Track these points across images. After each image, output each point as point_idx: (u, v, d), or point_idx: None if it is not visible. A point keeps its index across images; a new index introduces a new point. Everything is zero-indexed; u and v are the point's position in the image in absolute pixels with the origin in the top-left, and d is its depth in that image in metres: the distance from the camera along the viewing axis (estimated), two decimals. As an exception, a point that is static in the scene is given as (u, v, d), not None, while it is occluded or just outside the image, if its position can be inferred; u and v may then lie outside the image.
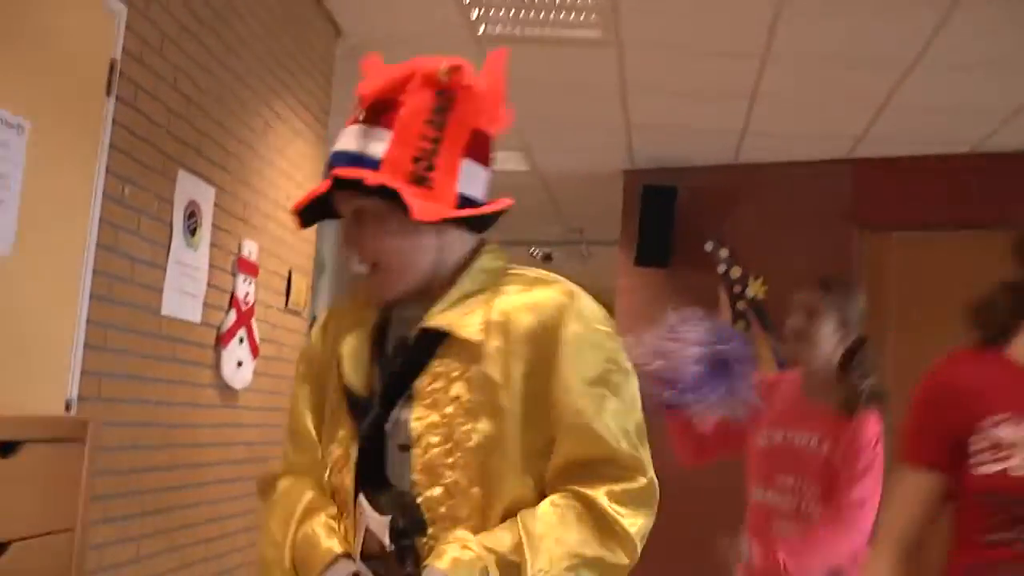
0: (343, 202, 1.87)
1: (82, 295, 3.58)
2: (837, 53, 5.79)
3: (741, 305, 7.99)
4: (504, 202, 1.92)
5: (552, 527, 1.74)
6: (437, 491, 1.79)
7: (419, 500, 1.80)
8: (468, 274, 1.92)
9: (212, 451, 4.70)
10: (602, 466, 1.79)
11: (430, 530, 1.80)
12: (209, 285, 4.57)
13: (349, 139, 1.87)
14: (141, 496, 3.99)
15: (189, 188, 4.32)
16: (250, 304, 4.99)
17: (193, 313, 4.40)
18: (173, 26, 4.09)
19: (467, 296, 1.89)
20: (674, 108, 7.00)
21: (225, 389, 4.81)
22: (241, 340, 4.92)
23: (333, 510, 1.91)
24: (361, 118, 1.88)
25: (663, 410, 3.44)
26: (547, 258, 11.61)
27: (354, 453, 1.87)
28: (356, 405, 1.90)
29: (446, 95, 1.86)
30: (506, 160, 8.70)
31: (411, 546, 1.81)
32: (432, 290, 1.91)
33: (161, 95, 4.05)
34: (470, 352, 1.83)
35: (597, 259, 11.28)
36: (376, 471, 1.85)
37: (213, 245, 4.59)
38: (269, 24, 5.08)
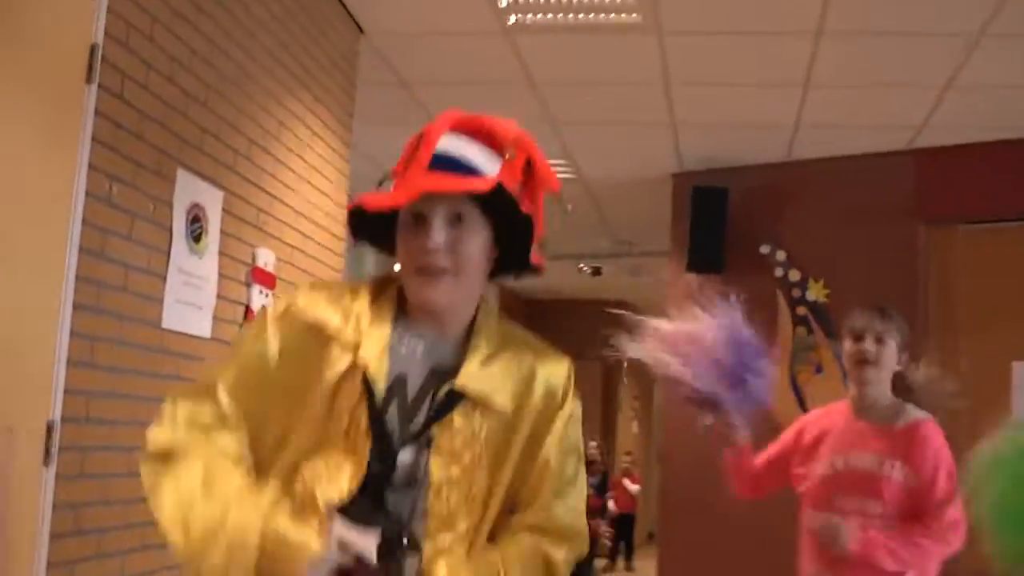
0: (443, 203, 1.89)
1: (64, 304, 3.22)
2: (895, 27, 5.35)
3: (801, 310, 7.53)
4: (539, 265, 2.03)
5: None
6: (448, 537, 1.92)
7: (426, 541, 1.90)
8: (485, 328, 1.99)
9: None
10: (568, 535, 2.02)
11: (421, 552, 1.90)
12: (219, 297, 4.21)
13: (459, 146, 1.92)
14: (140, 530, 3.58)
15: (191, 190, 3.96)
16: (267, 317, 4.61)
17: (201, 327, 4.04)
18: (164, 11, 3.74)
19: (491, 356, 1.97)
20: (721, 100, 6.58)
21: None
22: (258, 356, 4.54)
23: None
24: (465, 133, 1.94)
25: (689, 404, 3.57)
26: (596, 272, 11.21)
27: (353, 474, 1.89)
28: (381, 433, 1.90)
29: (533, 158, 1.97)
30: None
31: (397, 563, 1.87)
32: (449, 324, 1.96)
33: (153, 86, 3.70)
34: (493, 414, 1.95)
35: (647, 271, 10.85)
36: (374, 500, 1.89)
37: (223, 253, 4.23)
38: (279, 15, 4.73)
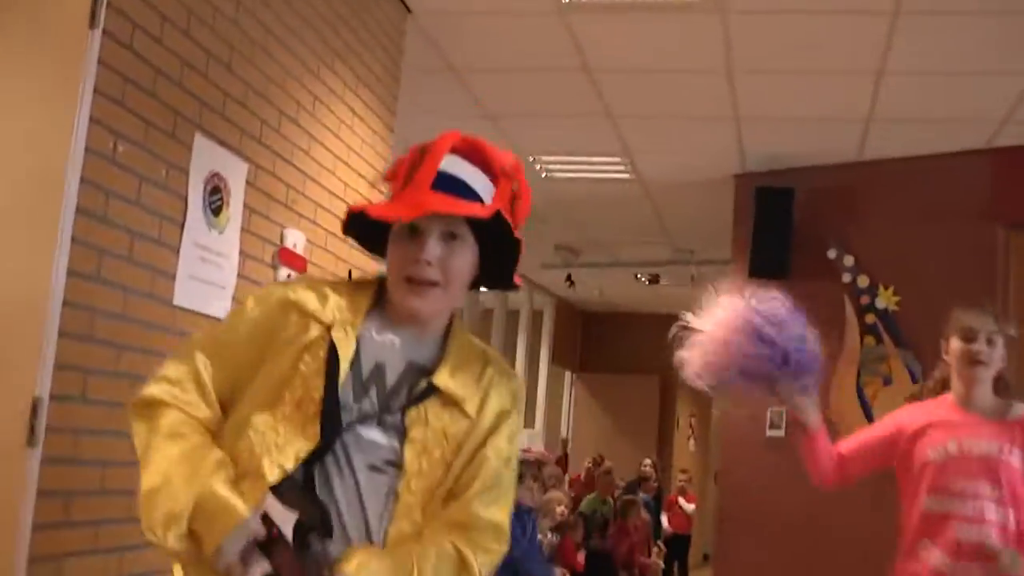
0: (440, 221, 1.99)
1: (56, 268, 2.91)
2: (978, 7, 4.95)
3: (870, 318, 7.11)
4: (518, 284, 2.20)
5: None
6: (407, 525, 2.01)
7: (386, 530, 2.00)
8: (456, 337, 2.12)
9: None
10: (489, 534, 2.07)
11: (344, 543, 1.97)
12: (241, 276, 3.90)
13: (460, 168, 2.04)
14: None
15: (210, 158, 3.66)
16: (296, 303, 4.30)
17: (219, 307, 3.71)
18: (182, -42, 3.44)
19: (460, 364, 2.09)
20: (788, 90, 6.19)
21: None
22: (285, 345, 4.23)
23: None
24: (465, 155, 2.05)
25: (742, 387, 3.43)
26: (654, 280, 10.84)
27: (302, 450, 1.95)
28: (332, 410, 1.98)
29: (519, 188, 2.11)
30: (606, 168, 7.98)
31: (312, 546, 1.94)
32: (427, 328, 2.08)
33: (169, 40, 3.40)
34: (460, 418, 2.06)
35: (707, 280, 10.42)
36: (321, 479, 1.97)
37: (246, 230, 3.92)
38: (315, -18, 4.43)
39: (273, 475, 1.92)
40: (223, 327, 2.12)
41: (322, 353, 1.99)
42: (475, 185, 2.03)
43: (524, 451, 7.53)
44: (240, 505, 1.87)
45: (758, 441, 7.36)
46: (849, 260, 7.19)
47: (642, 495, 11.37)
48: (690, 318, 3.42)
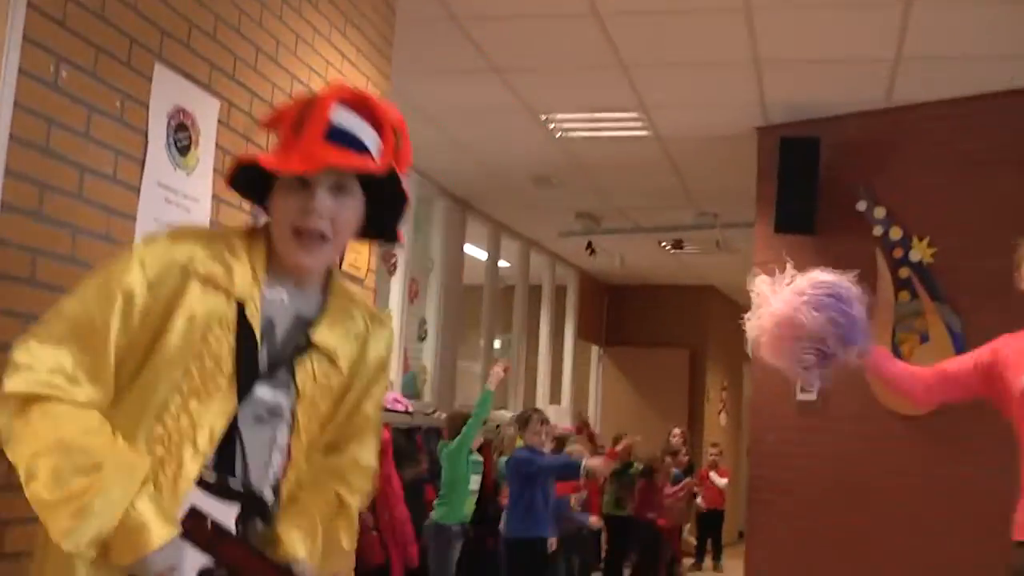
0: (331, 173, 1.98)
1: (-14, 203, 2.61)
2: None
3: (904, 272, 6.72)
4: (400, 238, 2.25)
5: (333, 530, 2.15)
6: (293, 477, 2.09)
7: (283, 480, 2.07)
8: (335, 289, 2.15)
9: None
10: (364, 478, 2.24)
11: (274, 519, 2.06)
12: (215, 224, 3.59)
13: (352, 122, 2.01)
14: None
15: (173, 91, 3.35)
16: (280, 255, 3.99)
17: (189, 255, 3.41)
18: None
19: (338, 317, 2.13)
20: (810, 29, 5.82)
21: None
22: (269, 300, 3.92)
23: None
24: (354, 108, 2.03)
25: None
26: (678, 245, 10.49)
27: (219, 427, 1.94)
28: (252, 374, 1.99)
29: (402, 143, 2.09)
30: (622, 124, 7.63)
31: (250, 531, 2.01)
32: (309, 278, 2.09)
33: (119, -42, 3.09)
34: (339, 371, 2.12)
35: (732, 245, 10.08)
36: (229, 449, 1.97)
37: (219, 172, 3.61)
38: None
39: (196, 466, 1.91)
40: (106, 292, 1.90)
41: (232, 329, 1.96)
42: (364, 139, 2.01)
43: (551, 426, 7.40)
44: (159, 530, 1.81)
45: (789, 406, 7.02)
46: (880, 212, 6.81)
47: (673, 470, 11.05)
48: (753, 300, 3.39)
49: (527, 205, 10.11)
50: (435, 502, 6.95)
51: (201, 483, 1.92)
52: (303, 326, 2.07)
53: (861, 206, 6.85)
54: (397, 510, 6.69)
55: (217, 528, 1.86)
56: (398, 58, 5.29)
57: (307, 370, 2.05)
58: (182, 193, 3.39)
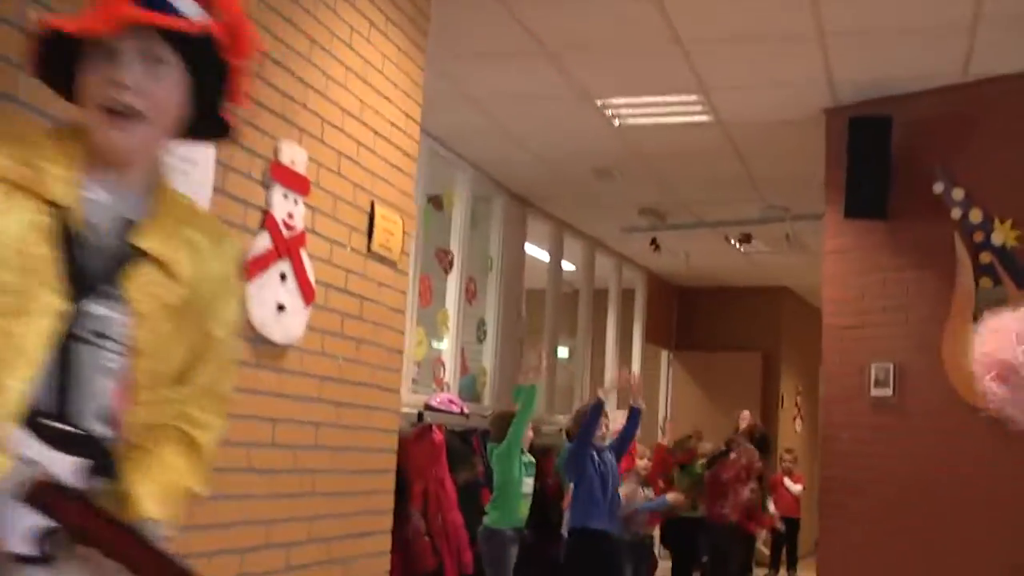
0: (140, 39, 1.76)
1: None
2: None
3: (985, 257, 6.27)
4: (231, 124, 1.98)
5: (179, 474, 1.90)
6: (143, 413, 1.85)
7: (119, 422, 1.81)
8: (164, 190, 1.91)
9: (238, 431, 3.41)
10: (215, 409, 1.98)
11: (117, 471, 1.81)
12: (218, 191, 3.32)
13: None
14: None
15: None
16: (296, 230, 3.70)
17: (187, 223, 3.13)
18: None
19: (171, 220, 1.88)
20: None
21: (257, 342, 3.53)
22: (283, 276, 3.64)
23: None
24: None
25: None
26: (746, 239, 10.09)
27: (40, 349, 1.71)
28: (81, 286, 1.76)
29: (236, 22, 1.88)
30: (683, 109, 7.26)
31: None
32: (130, 173, 1.84)
33: None
34: (174, 281, 1.86)
35: (802, 238, 9.66)
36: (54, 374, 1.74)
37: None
38: None
39: (16, 394, 1.66)
40: None
41: (49, 237, 1.73)
42: (182, 7, 1.80)
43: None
44: None
45: (863, 402, 6.61)
46: (959, 193, 6.36)
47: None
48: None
49: (589, 202, 9.77)
50: (487, 506, 6.66)
51: (32, 424, 1.69)
52: (128, 230, 1.83)
53: (938, 187, 6.41)
54: (450, 514, 6.44)
55: (57, 487, 1.65)
56: (440, 38, 5.00)
57: (138, 283, 1.82)
58: (177, 155, 3.10)
